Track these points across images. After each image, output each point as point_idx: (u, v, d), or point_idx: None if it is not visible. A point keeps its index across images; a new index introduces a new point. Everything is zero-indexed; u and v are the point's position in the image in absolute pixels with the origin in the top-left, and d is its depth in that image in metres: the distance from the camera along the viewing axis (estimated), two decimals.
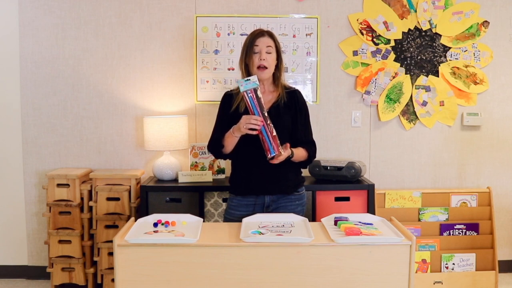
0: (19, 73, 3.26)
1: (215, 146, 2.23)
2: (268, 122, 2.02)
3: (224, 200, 2.93)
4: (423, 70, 3.33)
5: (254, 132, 2.02)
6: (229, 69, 3.25)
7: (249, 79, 2.01)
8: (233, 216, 2.24)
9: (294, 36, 3.26)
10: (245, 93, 1.99)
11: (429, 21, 3.29)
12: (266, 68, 2.16)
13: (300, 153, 2.19)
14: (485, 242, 3.23)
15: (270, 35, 2.20)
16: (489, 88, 3.36)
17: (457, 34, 3.32)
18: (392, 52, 3.31)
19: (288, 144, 2.10)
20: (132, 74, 3.28)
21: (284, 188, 2.22)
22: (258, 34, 2.18)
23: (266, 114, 2.02)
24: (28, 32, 3.24)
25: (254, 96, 2.00)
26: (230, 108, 2.21)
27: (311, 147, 2.26)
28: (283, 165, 2.17)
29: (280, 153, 2.03)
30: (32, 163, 3.31)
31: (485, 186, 3.40)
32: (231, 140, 2.16)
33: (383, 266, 1.72)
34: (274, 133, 2.02)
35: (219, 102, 2.32)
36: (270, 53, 2.16)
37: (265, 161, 2.09)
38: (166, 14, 3.25)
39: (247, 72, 2.19)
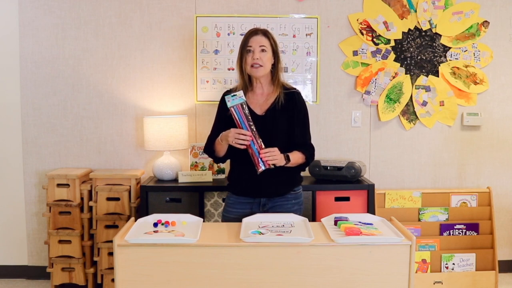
0: (19, 73, 3.26)
1: (208, 149, 2.25)
2: (257, 136, 2.03)
3: (224, 200, 2.93)
4: (423, 70, 3.33)
5: (243, 147, 2.03)
6: (229, 69, 3.25)
7: (236, 95, 2.02)
8: (230, 214, 2.25)
9: (294, 36, 3.26)
10: (232, 108, 2.01)
11: (429, 21, 3.29)
12: (260, 66, 2.14)
13: (296, 157, 2.16)
14: (485, 242, 3.23)
15: (265, 33, 2.17)
16: (489, 88, 3.36)
17: (457, 34, 3.31)
18: (392, 52, 3.31)
19: (276, 149, 2.06)
20: (132, 74, 3.28)
21: (280, 191, 2.22)
22: (252, 33, 2.17)
23: (254, 129, 2.02)
24: (28, 32, 3.24)
25: (241, 111, 2.02)
26: (228, 109, 2.21)
27: (308, 150, 2.23)
28: (279, 169, 2.15)
29: (270, 166, 2.03)
30: (32, 163, 3.31)
31: (485, 186, 3.40)
32: (220, 147, 2.16)
33: (383, 266, 1.72)
34: (263, 147, 2.03)
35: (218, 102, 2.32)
36: (264, 51, 2.14)
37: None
38: (166, 14, 3.25)
39: (242, 72, 2.19)
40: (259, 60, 2.13)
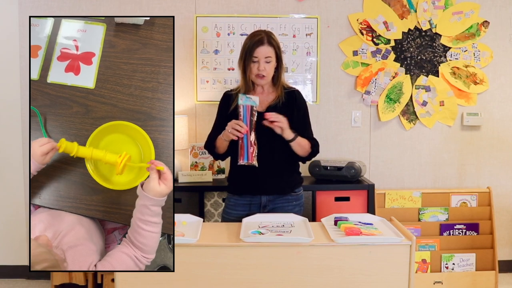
0: (19, 73, 3.26)
1: (209, 146, 2.27)
2: (253, 135, 2.05)
3: (224, 200, 2.93)
4: (423, 70, 3.33)
5: (235, 138, 2.04)
6: (229, 69, 3.25)
7: (250, 98, 2.05)
8: (230, 215, 2.25)
9: (294, 36, 3.26)
10: (241, 105, 2.04)
11: (429, 21, 3.29)
12: (264, 76, 2.16)
13: (304, 141, 2.17)
14: (485, 242, 3.23)
15: (270, 41, 2.14)
16: (489, 88, 3.36)
17: (457, 34, 3.32)
18: (392, 52, 3.31)
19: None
20: None
21: (279, 189, 2.22)
22: (257, 42, 2.13)
23: (253, 129, 2.05)
24: (28, 32, 3.24)
25: (248, 112, 2.04)
26: (228, 108, 2.21)
27: (313, 141, 2.26)
28: (279, 165, 2.17)
29: (251, 163, 2.04)
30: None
31: (485, 186, 3.40)
32: (221, 143, 2.17)
33: (383, 266, 1.72)
34: (255, 146, 2.05)
35: (219, 102, 2.32)
36: (269, 62, 2.15)
37: (262, 160, 2.09)
38: (166, 14, 3.25)
39: (245, 74, 2.18)
40: (263, 71, 2.14)
